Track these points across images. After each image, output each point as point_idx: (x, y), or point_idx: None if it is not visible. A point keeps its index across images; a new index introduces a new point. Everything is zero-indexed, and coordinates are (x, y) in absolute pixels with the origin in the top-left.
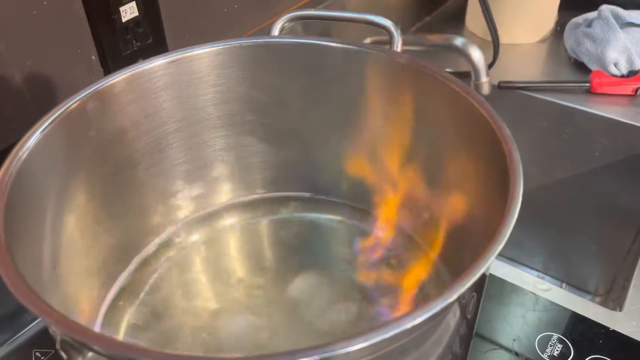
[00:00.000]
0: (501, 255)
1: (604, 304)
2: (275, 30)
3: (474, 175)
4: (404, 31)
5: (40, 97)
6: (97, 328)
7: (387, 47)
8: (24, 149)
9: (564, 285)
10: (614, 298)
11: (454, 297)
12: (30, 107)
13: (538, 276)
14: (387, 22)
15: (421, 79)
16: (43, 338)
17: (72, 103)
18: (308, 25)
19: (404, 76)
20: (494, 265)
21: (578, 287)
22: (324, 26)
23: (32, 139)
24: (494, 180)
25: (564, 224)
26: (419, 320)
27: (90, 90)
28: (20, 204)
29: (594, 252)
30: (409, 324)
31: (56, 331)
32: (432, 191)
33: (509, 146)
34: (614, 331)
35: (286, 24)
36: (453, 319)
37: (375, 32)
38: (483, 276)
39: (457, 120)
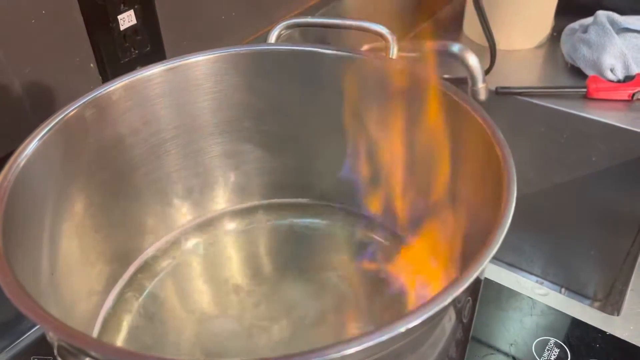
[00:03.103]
0: (500, 261)
1: (603, 308)
2: (272, 38)
3: (470, 180)
4: (401, 37)
5: (39, 104)
6: (95, 334)
7: (384, 53)
8: (22, 156)
9: (563, 290)
10: (612, 302)
11: (448, 301)
12: (29, 115)
13: (537, 281)
14: (382, 29)
15: (417, 86)
16: (42, 345)
17: (69, 111)
18: (306, 31)
19: (399, 83)
20: (492, 270)
21: (577, 291)
22: (322, 32)
23: (30, 146)
24: (490, 185)
25: (562, 229)
26: (413, 324)
27: (88, 98)
28: (18, 211)
29: (592, 257)
30: (403, 328)
31: (53, 337)
32: (428, 196)
33: (503, 151)
34: (611, 335)
35: (283, 32)
36: (449, 323)
37: (373, 38)
38: (478, 280)
39: (453, 127)
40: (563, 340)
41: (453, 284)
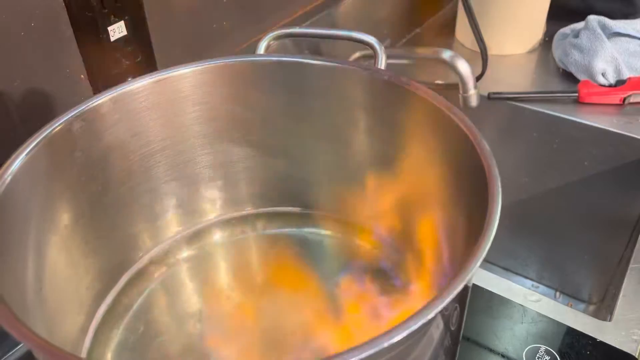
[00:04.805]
0: (495, 265)
1: (597, 312)
2: (261, 49)
3: (456, 190)
4: (394, 43)
5: (29, 117)
6: (85, 348)
7: (374, 61)
8: (9, 172)
9: (558, 294)
10: (607, 306)
11: (431, 315)
12: (18, 128)
13: (532, 285)
14: (371, 39)
15: (404, 96)
16: (34, 357)
17: (56, 125)
18: (298, 39)
19: (386, 93)
20: (484, 277)
21: (572, 295)
22: (314, 40)
23: (17, 161)
24: (475, 195)
25: (556, 233)
26: (396, 339)
27: (75, 112)
28: (4, 226)
29: (586, 261)
30: (386, 343)
31: (39, 356)
32: (416, 204)
33: (488, 162)
34: (601, 342)
35: (272, 42)
36: (436, 331)
37: (364, 46)
38: (465, 287)
39: (439, 136)
40: (554, 347)
41: (434, 299)
